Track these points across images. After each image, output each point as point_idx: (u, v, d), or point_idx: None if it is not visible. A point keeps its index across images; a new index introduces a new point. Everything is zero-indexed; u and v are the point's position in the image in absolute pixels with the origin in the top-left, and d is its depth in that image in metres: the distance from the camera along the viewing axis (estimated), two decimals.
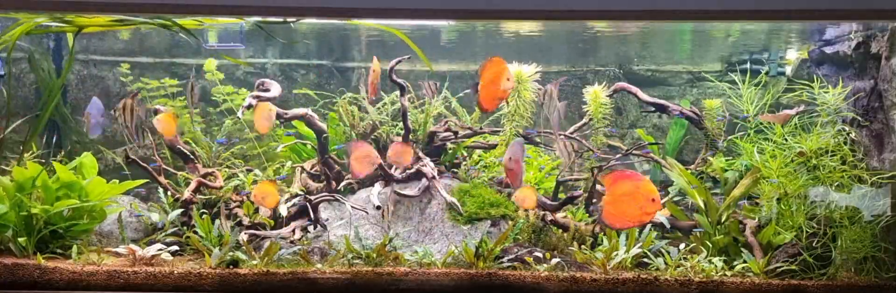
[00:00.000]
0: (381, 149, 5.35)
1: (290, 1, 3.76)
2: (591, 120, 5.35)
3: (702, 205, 4.75)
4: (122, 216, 4.81)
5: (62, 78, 5.27)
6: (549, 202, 4.97)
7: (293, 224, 4.89)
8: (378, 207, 4.74)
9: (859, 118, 4.56)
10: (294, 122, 5.39)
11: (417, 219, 4.88)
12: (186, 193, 4.89)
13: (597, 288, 4.20)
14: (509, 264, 4.39)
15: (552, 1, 3.74)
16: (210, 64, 5.70)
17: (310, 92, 5.80)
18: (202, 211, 4.79)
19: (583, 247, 4.53)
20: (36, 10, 4.37)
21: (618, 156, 5.24)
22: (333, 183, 5.17)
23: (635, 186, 3.80)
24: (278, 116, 5.05)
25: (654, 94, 5.49)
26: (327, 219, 4.91)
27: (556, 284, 4.22)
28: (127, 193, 5.03)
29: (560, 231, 4.84)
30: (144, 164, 4.97)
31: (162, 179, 5.03)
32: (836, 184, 4.34)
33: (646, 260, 4.48)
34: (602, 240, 4.63)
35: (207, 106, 5.90)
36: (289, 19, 4.73)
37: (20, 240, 4.35)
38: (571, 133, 5.32)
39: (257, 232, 4.68)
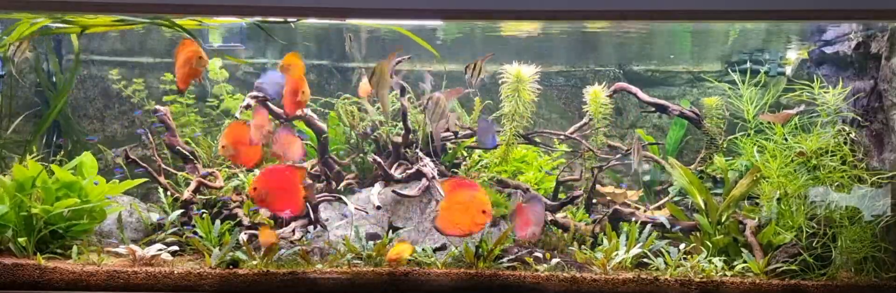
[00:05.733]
0: (381, 149, 5.36)
1: (290, 1, 3.76)
2: (591, 120, 5.35)
3: (702, 205, 4.75)
4: (122, 216, 4.81)
5: (71, 78, 5.27)
6: (548, 202, 4.97)
7: (293, 224, 4.89)
8: (378, 207, 4.74)
9: (859, 118, 4.56)
10: (294, 122, 5.39)
11: (417, 219, 4.88)
12: (186, 193, 4.89)
13: (597, 288, 4.20)
14: (509, 264, 4.39)
15: (553, 1, 3.74)
16: (213, 64, 5.70)
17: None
18: (202, 211, 4.79)
19: (583, 247, 4.54)
20: (36, 11, 4.37)
21: (617, 156, 5.26)
22: (333, 183, 5.17)
23: (471, 196, 3.94)
24: (278, 117, 5.05)
25: (654, 94, 5.49)
26: (327, 219, 4.91)
27: (556, 284, 4.22)
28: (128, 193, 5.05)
29: (560, 231, 4.84)
30: (144, 164, 4.97)
31: (162, 179, 5.03)
32: (836, 184, 4.34)
33: (646, 260, 4.48)
34: (602, 241, 4.63)
35: (206, 106, 5.90)
36: (289, 19, 4.73)
37: (20, 240, 4.35)
38: (571, 133, 5.33)
39: (258, 232, 4.67)
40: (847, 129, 4.48)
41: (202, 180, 4.96)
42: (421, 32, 5.18)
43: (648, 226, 4.67)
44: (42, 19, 4.53)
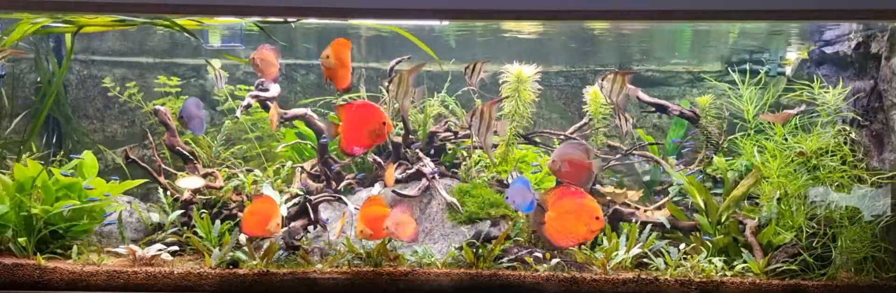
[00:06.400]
0: (381, 149, 5.36)
1: (290, 1, 3.76)
2: (590, 120, 5.34)
3: (702, 205, 4.75)
4: (122, 216, 4.81)
5: (60, 77, 5.27)
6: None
7: (293, 224, 4.88)
8: None
9: (859, 118, 4.56)
10: (295, 122, 5.40)
11: (417, 219, 4.87)
12: (186, 193, 4.88)
13: (597, 288, 4.20)
14: (509, 264, 4.39)
15: (553, 1, 3.74)
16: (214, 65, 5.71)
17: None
18: (202, 211, 4.79)
19: (583, 247, 4.53)
20: (36, 10, 4.37)
21: (617, 155, 5.25)
22: (333, 183, 5.17)
23: (579, 204, 3.85)
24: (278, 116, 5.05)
25: (654, 94, 5.49)
26: (327, 219, 4.90)
27: (556, 284, 4.22)
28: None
29: None
30: (144, 164, 4.97)
31: (162, 179, 5.03)
32: (836, 184, 4.34)
33: (646, 260, 4.48)
34: (602, 241, 4.63)
35: (207, 106, 5.90)
36: (289, 19, 4.73)
37: (20, 240, 4.35)
38: (571, 133, 5.32)
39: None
40: (847, 128, 4.48)
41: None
42: (422, 32, 5.18)
43: (648, 227, 4.67)
44: (43, 19, 4.53)
